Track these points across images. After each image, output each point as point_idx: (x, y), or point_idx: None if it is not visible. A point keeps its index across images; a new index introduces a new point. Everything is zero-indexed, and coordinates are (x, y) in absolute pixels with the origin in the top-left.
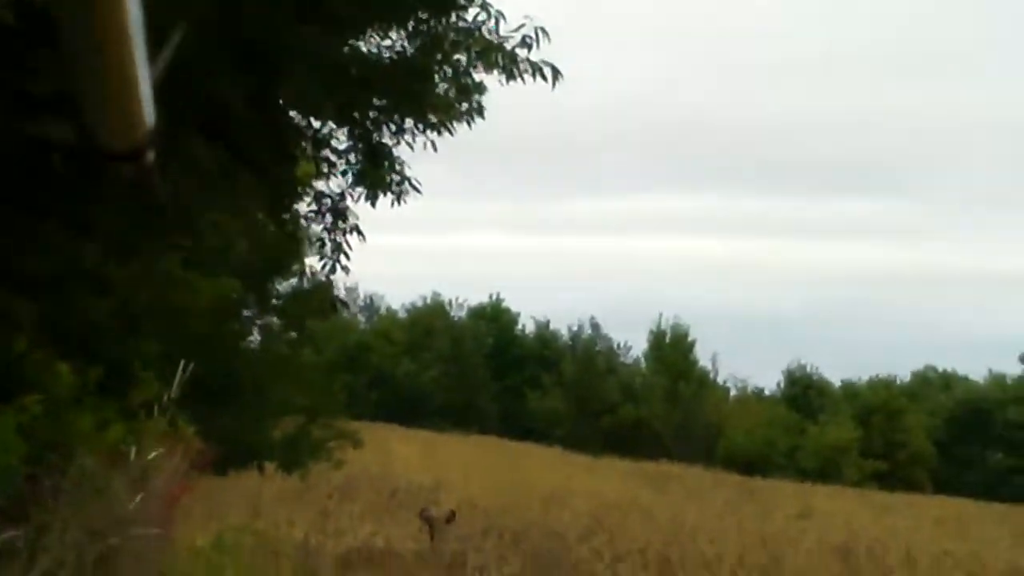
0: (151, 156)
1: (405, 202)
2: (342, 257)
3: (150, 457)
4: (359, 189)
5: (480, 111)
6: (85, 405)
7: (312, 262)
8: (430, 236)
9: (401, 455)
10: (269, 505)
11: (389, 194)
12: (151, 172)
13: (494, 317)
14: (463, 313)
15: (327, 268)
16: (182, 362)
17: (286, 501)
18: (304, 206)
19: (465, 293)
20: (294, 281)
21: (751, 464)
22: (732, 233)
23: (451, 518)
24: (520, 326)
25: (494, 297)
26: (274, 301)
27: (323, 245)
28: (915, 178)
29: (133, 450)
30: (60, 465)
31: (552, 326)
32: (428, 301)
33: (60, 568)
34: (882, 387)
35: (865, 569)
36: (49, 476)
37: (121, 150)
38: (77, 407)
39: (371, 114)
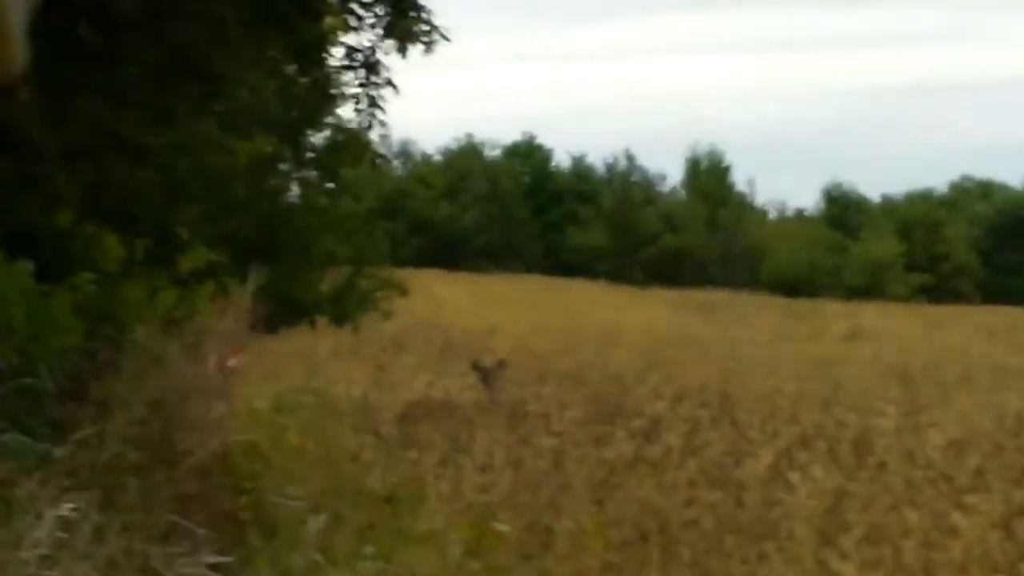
0: (25, 93)
1: (435, 51)
2: (377, 111)
3: (203, 323)
4: (389, 41)
5: None
6: (135, 276)
7: (347, 115)
8: (457, 75)
9: (448, 300)
10: (324, 362)
11: (419, 44)
12: (27, 108)
13: (528, 154)
14: (497, 153)
15: (364, 123)
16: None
17: (341, 357)
18: (335, 61)
19: (498, 132)
20: (328, 133)
21: (795, 286)
22: (755, 51)
23: (502, 365)
24: (555, 162)
25: (527, 135)
26: (309, 154)
27: (358, 100)
28: None
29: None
30: (115, 338)
31: (588, 160)
32: (462, 143)
33: (126, 443)
34: (920, 200)
35: (924, 391)
36: (105, 350)
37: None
38: (127, 279)
39: None
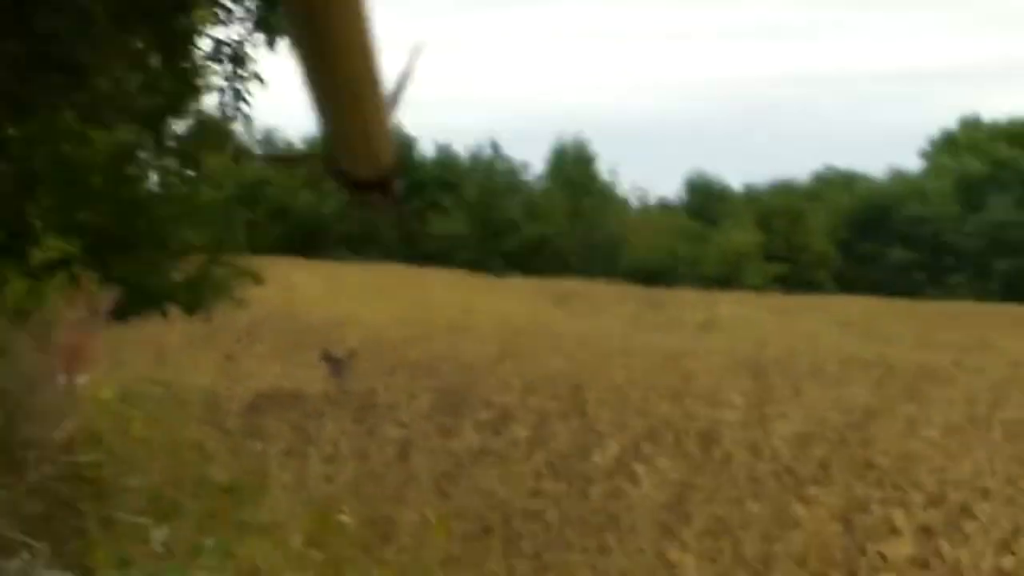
0: (399, 185)
1: None
2: (242, 105)
3: (52, 312)
4: (258, 35)
5: None
6: None
7: (211, 105)
8: None
9: (303, 289)
10: (174, 352)
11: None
12: (398, 200)
13: None
14: None
15: (228, 115)
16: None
17: (191, 347)
18: (202, 55)
19: None
20: (190, 122)
21: (654, 275)
22: (624, 41)
23: (352, 355)
24: (419, 151)
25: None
26: (170, 143)
27: (224, 93)
28: None
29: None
30: None
31: (452, 149)
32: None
33: None
34: (783, 190)
35: (774, 382)
36: None
37: (368, 178)
38: None
39: None
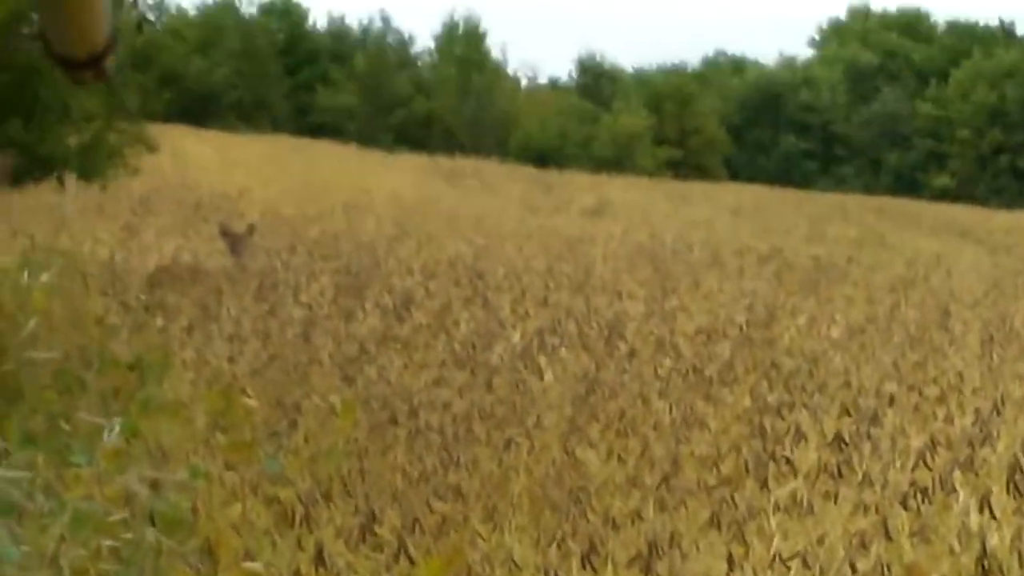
0: (109, 64)
1: None
2: None
3: None
4: None
5: None
6: None
7: None
8: None
9: (196, 159)
10: (72, 222)
11: None
12: (109, 77)
13: (285, 13)
14: (254, 10)
15: None
16: None
17: (88, 216)
18: None
19: None
20: None
21: (545, 156)
22: None
23: (251, 232)
24: (312, 21)
25: None
26: None
27: None
28: None
29: None
30: None
31: (345, 21)
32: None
33: None
34: (674, 74)
35: (673, 272)
36: None
37: (80, 57)
38: None
39: None
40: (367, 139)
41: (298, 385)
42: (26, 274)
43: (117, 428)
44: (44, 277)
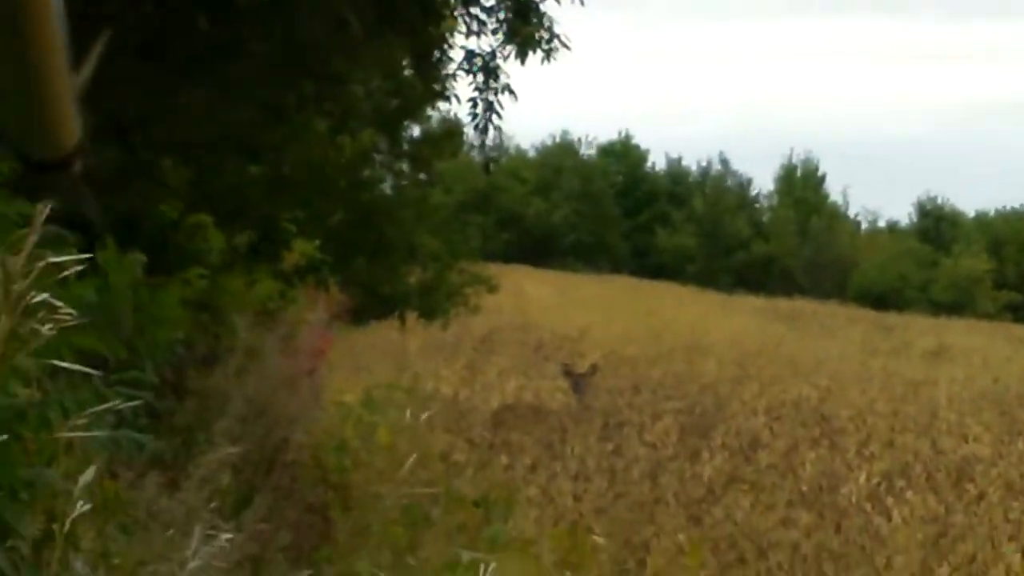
0: (79, 166)
1: (555, 59)
2: (494, 117)
3: (294, 315)
4: (509, 47)
5: None
6: (236, 269)
7: (457, 114)
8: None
9: (536, 299)
10: (413, 359)
11: (539, 51)
12: (79, 182)
13: (624, 154)
14: (592, 151)
15: (479, 127)
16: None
17: (429, 354)
18: (453, 65)
19: (594, 130)
20: (424, 125)
21: (883, 298)
22: (860, 59)
23: (593, 372)
24: (650, 163)
25: (623, 134)
26: (405, 146)
27: (475, 105)
28: None
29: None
30: (212, 327)
31: (683, 162)
32: (557, 139)
33: (227, 437)
34: (1015, 217)
35: (1020, 416)
36: (204, 340)
37: (50, 160)
38: (229, 271)
39: None
40: (706, 280)
41: (645, 524)
42: (369, 411)
43: (466, 564)
44: (387, 414)
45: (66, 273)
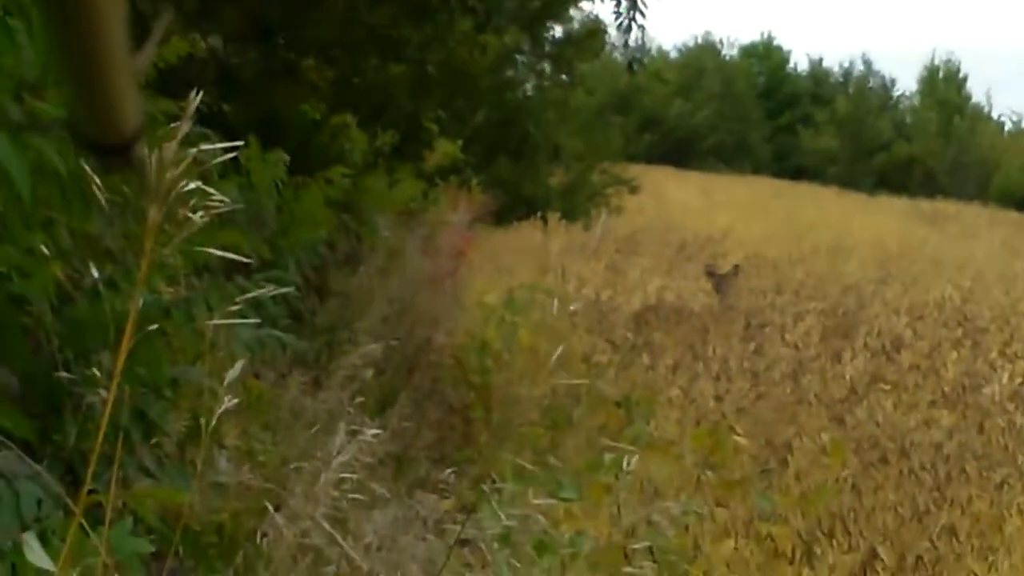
0: (138, 151)
1: None
2: (637, 16)
3: (436, 215)
4: None
5: None
6: (378, 169)
7: (599, 13)
8: None
9: (678, 200)
10: (555, 260)
11: None
12: (140, 165)
13: (765, 55)
14: (734, 52)
15: (623, 26)
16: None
17: (573, 255)
18: None
19: (736, 31)
20: (567, 25)
21: None
22: None
23: (736, 272)
24: (792, 64)
25: (765, 35)
26: (548, 47)
27: (618, 4)
28: None
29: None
30: (354, 228)
31: (824, 64)
32: (699, 41)
33: (370, 337)
34: None
35: None
36: (346, 240)
37: (107, 144)
38: (371, 171)
39: None
40: (847, 182)
41: (787, 424)
42: (511, 312)
43: (608, 464)
44: (529, 315)
45: (207, 171)
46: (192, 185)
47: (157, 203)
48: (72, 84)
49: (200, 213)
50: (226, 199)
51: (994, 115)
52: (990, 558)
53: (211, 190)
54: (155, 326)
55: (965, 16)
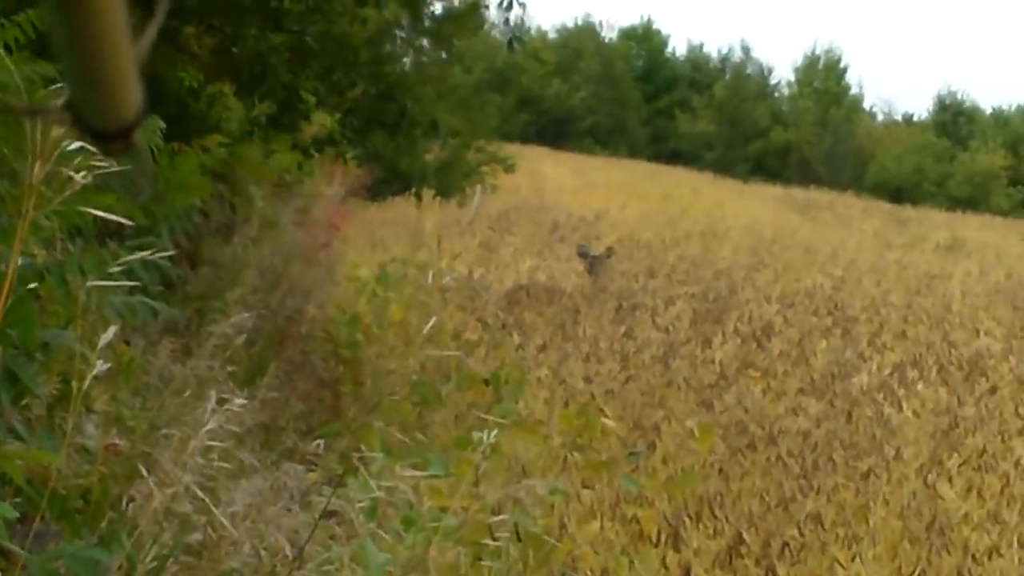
0: (138, 135)
1: None
2: None
3: (311, 188)
4: None
5: None
6: (255, 139)
7: None
8: None
9: (553, 180)
10: (429, 236)
11: None
12: (138, 152)
13: (645, 39)
14: (613, 34)
15: (503, 4)
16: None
17: (446, 231)
18: None
19: (616, 15)
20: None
21: (900, 191)
22: None
23: (609, 254)
24: (671, 48)
25: (645, 18)
26: (427, 23)
27: None
28: None
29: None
30: (229, 197)
31: (704, 49)
32: (579, 22)
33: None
34: None
35: None
36: (220, 209)
37: (108, 129)
38: (247, 140)
39: None
40: (723, 168)
41: (656, 407)
42: (383, 287)
43: (477, 442)
44: (401, 290)
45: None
46: (76, 145)
47: (40, 163)
48: (73, 69)
49: (83, 173)
50: (105, 161)
51: (866, 106)
52: (855, 547)
53: (95, 149)
54: (30, 287)
55: (842, 5)
